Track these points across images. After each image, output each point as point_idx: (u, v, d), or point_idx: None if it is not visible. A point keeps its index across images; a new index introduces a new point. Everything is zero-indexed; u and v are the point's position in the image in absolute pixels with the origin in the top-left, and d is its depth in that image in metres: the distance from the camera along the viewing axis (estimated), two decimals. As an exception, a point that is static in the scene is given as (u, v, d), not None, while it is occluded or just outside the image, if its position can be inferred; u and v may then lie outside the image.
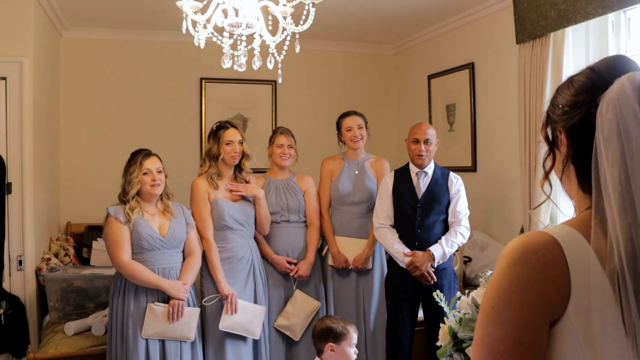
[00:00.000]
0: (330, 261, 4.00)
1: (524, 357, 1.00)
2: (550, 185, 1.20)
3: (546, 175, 1.18)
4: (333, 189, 4.04)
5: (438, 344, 2.36)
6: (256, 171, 4.00)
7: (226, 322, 3.49)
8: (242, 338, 3.58)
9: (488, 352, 1.02)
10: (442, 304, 2.44)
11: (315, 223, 4.00)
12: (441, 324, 2.35)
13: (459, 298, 2.38)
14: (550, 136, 1.16)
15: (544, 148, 1.20)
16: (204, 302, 3.52)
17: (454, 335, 2.25)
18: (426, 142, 3.66)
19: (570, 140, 1.10)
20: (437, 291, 2.56)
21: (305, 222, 4.00)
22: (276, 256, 3.86)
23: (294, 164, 4.04)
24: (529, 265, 1.01)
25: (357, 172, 4.04)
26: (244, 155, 3.73)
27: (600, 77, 1.08)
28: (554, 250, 1.01)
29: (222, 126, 3.70)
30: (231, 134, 3.65)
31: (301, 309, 3.84)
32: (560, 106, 1.12)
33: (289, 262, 3.86)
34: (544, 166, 1.18)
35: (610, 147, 0.99)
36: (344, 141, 4.10)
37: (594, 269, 1.01)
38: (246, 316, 3.54)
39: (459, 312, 2.30)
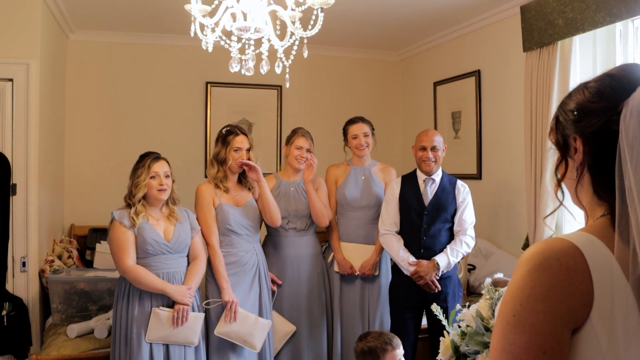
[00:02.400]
0: (335, 267, 3.98)
1: None
2: (563, 192, 1.19)
3: (559, 183, 1.17)
4: (339, 194, 4.01)
5: (438, 358, 2.31)
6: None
7: (222, 329, 3.46)
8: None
9: None
10: (441, 317, 2.40)
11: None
12: (441, 338, 2.29)
13: (460, 310, 2.33)
14: (561, 142, 1.15)
15: (552, 156, 1.20)
16: (204, 304, 3.49)
17: (455, 349, 2.20)
18: (433, 149, 3.63)
19: (589, 147, 1.09)
20: (434, 304, 2.53)
21: (313, 228, 3.97)
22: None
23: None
24: (551, 272, 1.00)
25: (363, 177, 4.02)
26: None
27: (620, 84, 1.07)
28: (575, 257, 1.01)
29: (231, 131, 3.64)
30: (240, 141, 3.60)
31: (276, 330, 3.78)
32: (574, 112, 1.11)
33: (273, 281, 3.81)
34: (556, 173, 1.17)
35: (634, 154, 0.99)
36: (350, 147, 4.08)
37: (617, 276, 1.00)
38: (245, 327, 3.49)
39: (459, 326, 2.25)
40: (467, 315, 2.13)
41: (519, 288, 1.02)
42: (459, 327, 2.21)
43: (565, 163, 1.15)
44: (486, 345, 1.98)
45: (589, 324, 0.99)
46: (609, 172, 1.04)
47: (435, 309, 2.45)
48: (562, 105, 1.16)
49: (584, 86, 1.13)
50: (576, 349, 1.00)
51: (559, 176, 1.17)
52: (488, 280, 2.34)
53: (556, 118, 1.17)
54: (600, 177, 1.08)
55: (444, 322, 2.33)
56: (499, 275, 2.56)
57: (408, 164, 5.23)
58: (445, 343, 2.19)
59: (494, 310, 2.00)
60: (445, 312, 2.53)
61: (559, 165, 1.17)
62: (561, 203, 1.20)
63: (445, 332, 2.25)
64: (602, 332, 0.99)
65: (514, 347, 1.00)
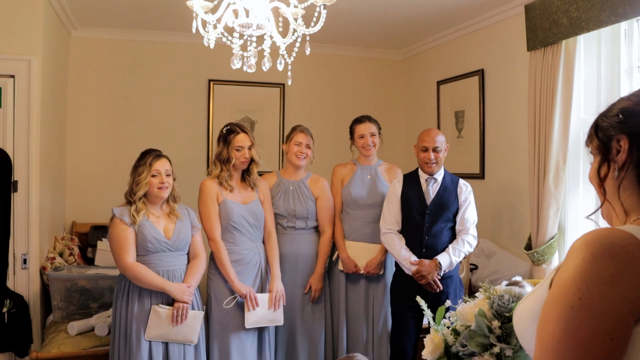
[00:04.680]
0: (340, 266, 3.96)
1: (614, 353, 0.96)
2: (605, 192, 1.21)
3: (601, 184, 1.20)
4: (345, 193, 4.00)
5: (423, 358, 2.16)
6: (260, 174, 3.95)
7: (251, 319, 3.52)
8: (247, 341, 3.57)
9: (575, 347, 0.97)
10: (426, 311, 2.30)
11: (327, 232, 3.94)
12: (428, 336, 2.15)
13: (451, 308, 2.23)
14: (602, 145, 1.20)
15: (589, 160, 1.26)
16: (225, 304, 3.51)
17: (446, 349, 2.09)
18: (435, 150, 3.61)
19: (637, 146, 1.13)
20: (418, 297, 2.43)
21: (313, 228, 3.94)
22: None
23: (309, 165, 3.99)
24: (618, 258, 0.99)
25: (369, 176, 4.00)
26: (252, 160, 3.69)
27: None
28: (639, 246, 1.01)
29: (232, 130, 3.64)
30: (241, 140, 3.61)
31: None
32: (619, 115, 1.16)
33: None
34: (599, 174, 1.21)
35: None
36: (356, 147, 4.06)
37: None
38: (266, 308, 3.58)
39: (448, 326, 2.14)
40: (463, 313, 2.06)
41: (582, 272, 1.00)
42: (448, 327, 2.13)
43: (607, 165, 1.19)
44: (486, 348, 1.93)
45: None
46: None
47: (420, 301, 2.36)
48: (603, 113, 1.22)
49: (627, 96, 1.20)
50: (636, 340, 0.98)
51: (602, 176, 1.20)
52: (506, 283, 2.22)
53: (595, 125, 1.22)
54: None
55: (429, 318, 2.24)
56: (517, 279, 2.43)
57: (411, 162, 5.21)
58: (434, 341, 2.06)
59: (495, 311, 1.96)
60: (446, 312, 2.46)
61: (600, 166, 1.20)
62: (605, 199, 1.22)
63: (432, 330, 2.16)
64: None
65: (578, 332, 0.97)
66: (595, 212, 1.28)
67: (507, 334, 1.90)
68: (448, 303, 2.30)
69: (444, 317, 2.18)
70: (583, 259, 1.01)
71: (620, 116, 1.16)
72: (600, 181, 1.21)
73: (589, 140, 1.24)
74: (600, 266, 0.99)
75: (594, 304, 0.97)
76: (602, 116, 1.22)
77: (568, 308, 0.99)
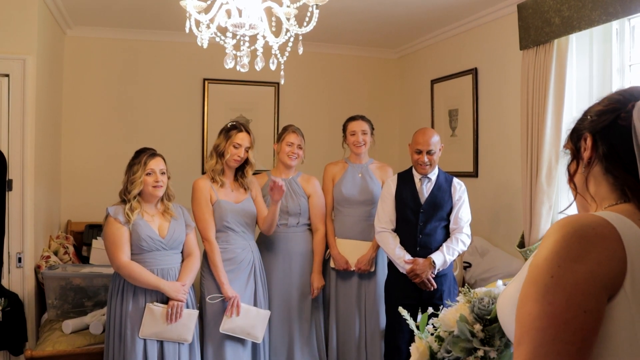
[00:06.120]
0: (331, 264, 3.98)
1: (588, 325, 1.00)
2: (576, 188, 1.29)
3: (571, 178, 1.29)
4: (336, 191, 4.02)
5: None
6: (254, 173, 3.95)
7: (227, 325, 3.49)
8: (242, 340, 3.58)
9: (551, 322, 1.01)
10: (410, 322, 2.23)
11: (320, 230, 3.96)
12: (413, 344, 2.11)
13: (435, 315, 2.19)
14: (574, 146, 1.29)
15: (565, 157, 1.35)
16: (208, 299, 3.52)
17: (432, 355, 2.04)
18: (429, 152, 3.62)
19: (600, 142, 1.21)
20: (400, 307, 2.37)
21: (305, 225, 3.97)
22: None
23: (299, 164, 4.01)
24: (587, 238, 1.05)
25: (360, 175, 4.03)
26: (247, 161, 3.70)
27: (627, 92, 1.24)
28: (608, 227, 1.07)
29: (235, 127, 3.66)
30: (241, 138, 3.62)
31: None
32: (589, 117, 1.25)
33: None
34: (568, 170, 1.30)
35: None
36: (348, 144, 4.08)
37: None
38: (248, 320, 3.53)
39: (434, 330, 2.11)
40: (445, 319, 2.02)
41: (554, 252, 1.06)
42: (432, 333, 2.09)
43: (577, 162, 1.27)
44: (470, 352, 1.91)
45: (622, 292, 1.03)
46: (619, 160, 1.17)
47: (402, 312, 2.30)
48: (580, 118, 1.30)
49: (600, 100, 1.28)
50: (609, 317, 1.03)
51: (571, 173, 1.29)
52: (494, 286, 2.19)
53: (572, 128, 1.30)
54: (616, 166, 1.19)
55: (414, 327, 2.20)
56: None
57: (405, 161, 5.23)
58: (419, 350, 2.05)
59: (476, 314, 1.94)
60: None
61: (570, 164, 1.30)
62: (576, 195, 1.30)
63: (417, 338, 2.09)
64: (633, 301, 1.03)
65: (553, 307, 1.01)
66: (568, 207, 1.35)
67: (490, 336, 1.89)
68: (430, 310, 2.27)
69: (427, 324, 2.17)
70: (555, 241, 1.07)
71: (589, 117, 1.24)
72: (570, 177, 1.30)
73: (566, 142, 1.32)
74: (570, 246, 1.04)
75: (565, 279, 1.02)
76: (579, 120, 1.29)
77: (542, 286, 1.04)
